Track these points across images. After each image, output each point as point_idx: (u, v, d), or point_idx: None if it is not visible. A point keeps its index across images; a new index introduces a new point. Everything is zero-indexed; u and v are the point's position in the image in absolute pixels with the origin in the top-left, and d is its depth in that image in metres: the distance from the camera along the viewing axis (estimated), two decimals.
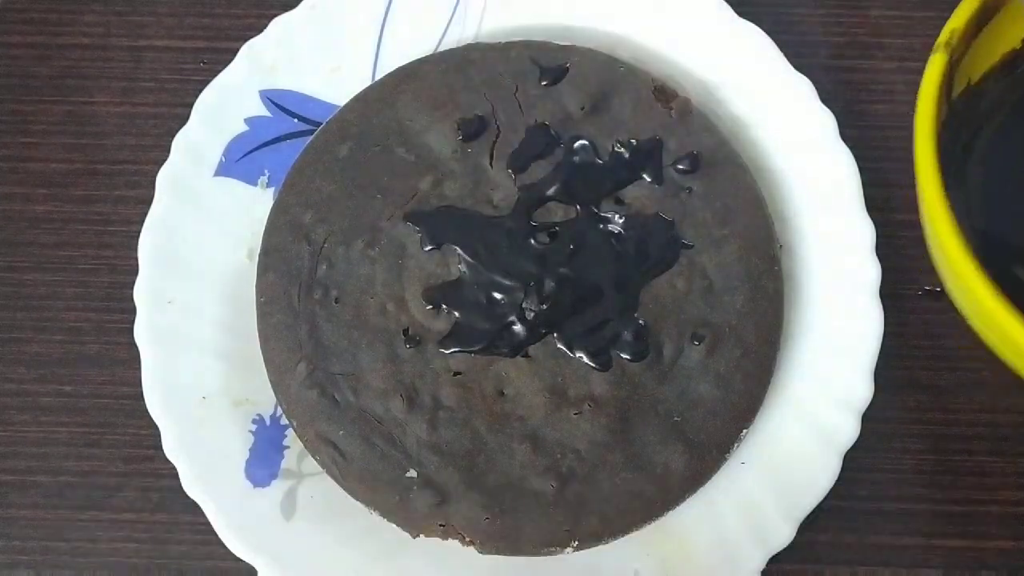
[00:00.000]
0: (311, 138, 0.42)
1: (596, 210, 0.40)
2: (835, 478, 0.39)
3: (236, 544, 0.38)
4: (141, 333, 0.40)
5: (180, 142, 0.41)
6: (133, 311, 0.40)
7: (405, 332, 0.39)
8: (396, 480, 0.38)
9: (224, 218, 0.41)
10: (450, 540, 0.38)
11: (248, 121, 0.43)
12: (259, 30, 0.43)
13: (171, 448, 0.39)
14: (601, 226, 0.40)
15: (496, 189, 0.40)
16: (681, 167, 0.41)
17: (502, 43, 0.42)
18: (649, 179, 0.41)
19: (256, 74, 0.43)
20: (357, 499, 0.38)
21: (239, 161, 0.42)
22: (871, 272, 0.40)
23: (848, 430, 0.39)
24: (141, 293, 0.40)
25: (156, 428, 0.39)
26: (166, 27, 0.46)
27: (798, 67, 0.42)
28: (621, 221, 0.40)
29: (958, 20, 0.34)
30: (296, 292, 0.40)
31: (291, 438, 0.40)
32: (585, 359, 0.39)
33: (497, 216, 0.40)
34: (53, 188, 0.44)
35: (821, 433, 0.39)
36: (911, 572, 0.40)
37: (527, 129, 0.41)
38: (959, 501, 0.41)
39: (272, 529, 0.38)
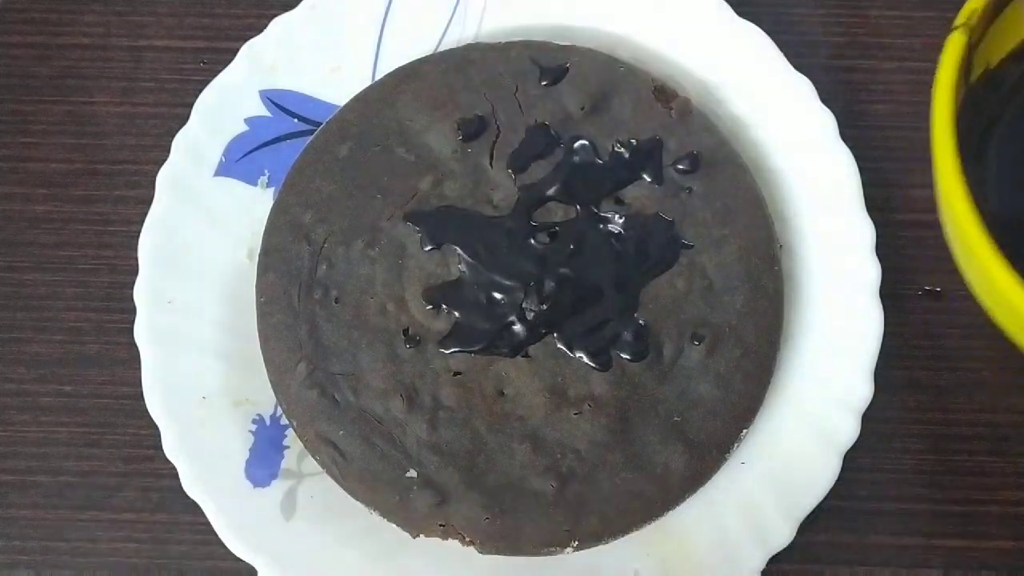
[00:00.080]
0: (311, 138, 0.42)
1: (596, 210, 0.40)
2: (835, 478, 0.39)
3: (236, 544, 0.38)
4: (141, 333, 0.40)
5: (180, 142, 0.41)
6: (133, 311, 0.40)
7: (405, 332, 0.39)
8: (396, 480, 0.38)
9: (224, 218, 0.41)
10: (450, 540, 0.38)
11: (248, 121, 0.43)
12: (259, 30, 0.43)
13: (171, 448, 0.39)
14: (601, 226, 0.40)
15: (496, 189, 0.40)
16: (681, 167, 0.41)
17: (502, 43, 0.43)
18: (649, 179, 0.41)
19: (256, 74, 0.43)
20: (357, 499, 0.38)
21: (239, 161, 0.42)
22: (871, 272, 0.40)
23: (848, 430, 0.39)
24: (141, 293, 0.40)
25: (156, 428, 0.39)
26: (166, 27, 0.46)
27: (798, 67, 0.42)
28: (621, 221, 0.40)
29: (977, 1, 0.34)
30: (296, 292, 0.40)
31: (291, 438, 0.40)
32: (585, 359, 0.39)
33: (497, 216, 0.40)
34: (53, 188, 0.44)
35: (821, 433, 0.39)
36: (911, 572, 0.40)
37: (527, 129, 0.41)
38: (959, 501, 0.41)
39: (272, 529, 0.38)
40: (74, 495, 0.41)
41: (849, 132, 0.42)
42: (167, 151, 0.41)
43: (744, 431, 0.39)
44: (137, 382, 0.39)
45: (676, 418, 0.38)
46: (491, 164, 0.41)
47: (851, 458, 0.39)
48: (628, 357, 0.39)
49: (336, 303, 0.39)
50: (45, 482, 0.41)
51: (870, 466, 0.41)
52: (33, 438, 0.42)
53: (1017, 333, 0.34)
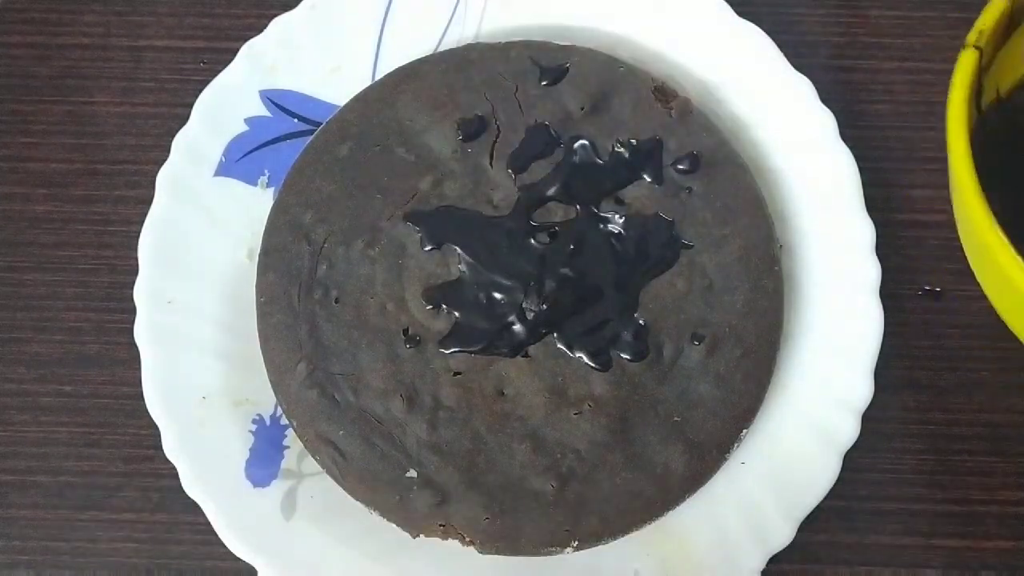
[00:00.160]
0: (311, 138, 0.42)
1: (596, 210, 0.40)
2: (835, 478, 0.39)
3: (236, 544, 0.38)
4: (141, 333, 0.40)
5: (180, 142, 0.41)
6: (133, 311, 0.40)
7: (405, 332, 0.39)
8: (396, 480, 0.38)
9: (224, 218, 0.41)
10: (450, 540, 0.38)
11: (248, 121, 0.43)
12: (259, 30, 0.43)
13: (171, 448, 0.39)
14: (601, 226, 0.40)
15: (496, 189, 0.40)
16: (681, 167, 0.41)
17: (502, 43, 0.43)
18: (649, 179, 0.41)
19: (256, 74, 0.43)
20: (357, 499, 0.38)
21: (239, 161, 0.42)
22: (871, 272, 0.40)
23: (848, 430, 0.39)
24: (141, 293, 0.40)
25: (156, 428, 0.39)
26: (166, 27, 0.46)
27: (798, 67, 0.42)
28: (621, 221, 0.40)
29: (986, 21, 0.34)
30: (296, 292, 0.40)
31: (291, 438, 0.40)
32: (585, 359, 0.39)
33: (497, 216, 0.40)
34: (53, 188, 0.44)
35: (821, 433, 0.39)
36: (911, 572, 0.40)
37: (527, 129, 0.41)
38: (959, 501, 0.41)
39: (272, 529, 0.38)
40: (74, 495, 0.41)
41: (849, 132, 0.42)
42: (167, 151, 0.41)
43: (744, 431, 0.39)
44: (137, 382, 0.39)
45: (676, 418, 0.38)
46: (491, 164, 0.41)
47: (851, 458, 0.39)
48: (628, 357, 0.39)
49: (336, 303, 0.39)
50: (45, 482, 0.41)
51: (870, 466, 0.41)
52: (33, 438, 0.42)
53: None
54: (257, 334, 0.40)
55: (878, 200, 0.42)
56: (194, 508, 0.38)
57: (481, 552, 0.38)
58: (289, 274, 0.40)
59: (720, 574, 0.38)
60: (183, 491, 0.38)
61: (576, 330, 0.39)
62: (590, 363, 0.39)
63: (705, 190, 0.41)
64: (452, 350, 0.39)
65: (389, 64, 0.43)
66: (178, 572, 0.40)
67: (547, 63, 0.42)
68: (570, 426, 0.38)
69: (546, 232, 0.40)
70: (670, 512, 0.38)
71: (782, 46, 0.42)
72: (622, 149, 0.41)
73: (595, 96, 0.41)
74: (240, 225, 0.42)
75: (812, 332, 0.40)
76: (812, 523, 0.39)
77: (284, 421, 0.40)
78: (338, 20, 0.43)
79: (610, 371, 0.39)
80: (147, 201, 0.41)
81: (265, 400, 0.40)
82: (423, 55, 0.43)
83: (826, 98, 0.42)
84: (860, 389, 0.39)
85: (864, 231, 0.40)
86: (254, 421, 0.40)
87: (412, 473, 0.38)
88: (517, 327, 0.39)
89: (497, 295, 0.39)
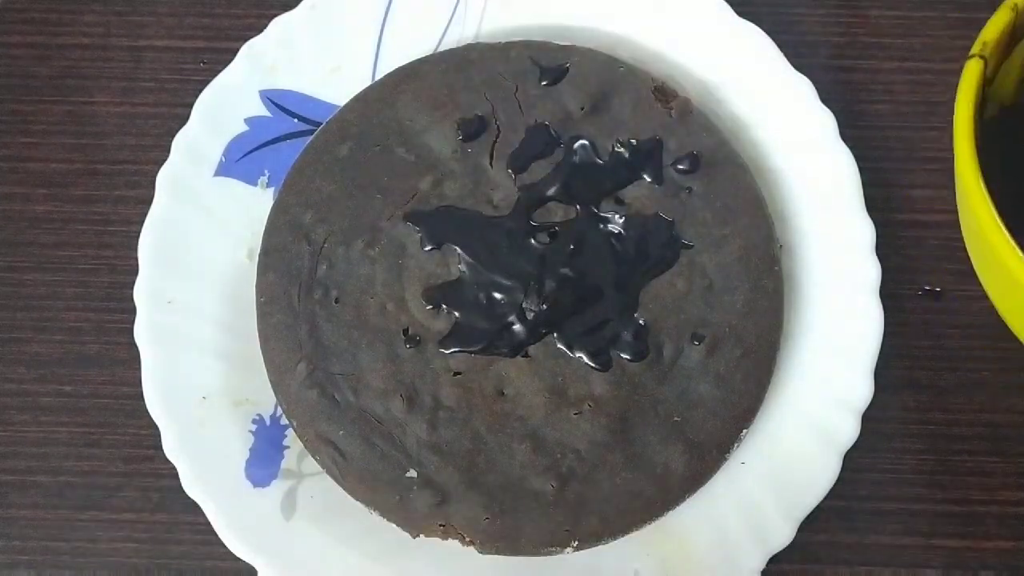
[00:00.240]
0: (311, 138, 0.42)
1: (596, 210, 0.40)
2: (835, 478, 0.39)
3: (236, 544, 0.38)
4: (141, 333, 0.40)
5: (180, 142, 0.41)
6: (133, 311, 0.40)
7: (405, 332, 0.39)
8: (396, 480, 0.38)
9: (224, 218, 0.41)
10: (450, 540, 0.38)
11: (248, 121, 0.43)
12: (259, 30, 0.43)
13: (171, 448, 0.39)
14: (601, 226, 0.40)
15: (496, 189, 0.40)
16: (681, 167, 0.41)
17: (502, 43, 0.42)
18: (649, 179, 0.41)
19: (256, 74, 0.43)
20: (357, 499, 0.38)
21: (239, 161, 0.42)
22: (871, 272, 0.40)
23: (848, 430, 0.39)
24: (141, 293, 0.40)
25: (156, 428, 0.39)
26: (166, 27, 0.46)
27: (798, 67, 0.42)
28: (621, 221, 0.40)
29: (990, 32, 0.35)
30: (296, 292, 0.40)
31: (291, 438, 0.40)
32: (585, 359, 0.39)
33: (497, 216, 0.40)
34: (53, 188, 0.44)
35: (821, 433, 0.39)
36: (911, 572, 0.40)
37: (527, 129, 0.41)
38: (959, 501, 0.41)
39: (272, 529, 0.38)
40: (74, 495, 0.41)
41: (849, 132, 0.42)
42: (167, 151, 0.41)
43: (744, 431, 0.39)
44: (137, 382, 0.39)
45: (676, 418, 0.38)
46: (491, 164, 0.41)
47: (851, 458, 0.39)
48: (628, 357, 0.39)
49: (336, 303, 0.39)
50: (45, 482, 0.41)
51: (870, 466, 0.41)
52: (33, 438, 0.42)
53: None
54: (257, 334, 0.40)
55: (878, 200, 0.42)
56: (194, 508, 0.38)
57: (481, 552, 0.38)
58: (289, 274, 0.40)
59: (720, 574, 0.38)
60: (183, 491, 0.38)
61: (576, 330, 0.39)
62: (590, 363, 0.39)
63: (705, 190, 0.41)
64: (452, 350, 0.39)
65: (389, 64, 0.43)
66: (178, 572, 0.40)
67: (547, 63, 0.42)
68: (570, 426, 0.38)
69: (546, 232, 0.40)
70: (670, 512, 0.38)
71: (782, 46, 0.42)
72: (622, 149, 0.41)
73: (595, 96, 0.41)
74: (240, 225, 0.42)
75: (812, 332, 0.40)
76: (812, 523, 0.39)
77: (284, 421, 0.40)
78: (338, 20, 0.43)
79: (610, 371, 0.39)
80: (147, 201, 0.41)
81: (265, 400, 0.40)
82: (423, 55, 0.43)
83: (826, 98, 0.42)
84: (860, 389, 0.39)
85: (864, 231, 0.40)
86: (254, 421, 0.40)
87: (412, 473, 0.38)
88: (517, 327, 0.39)
89: (497, 295, 0.39)
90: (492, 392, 0.38)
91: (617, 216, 0.40)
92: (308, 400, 0.38)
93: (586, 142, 0.41)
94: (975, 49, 0.34)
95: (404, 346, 0.39)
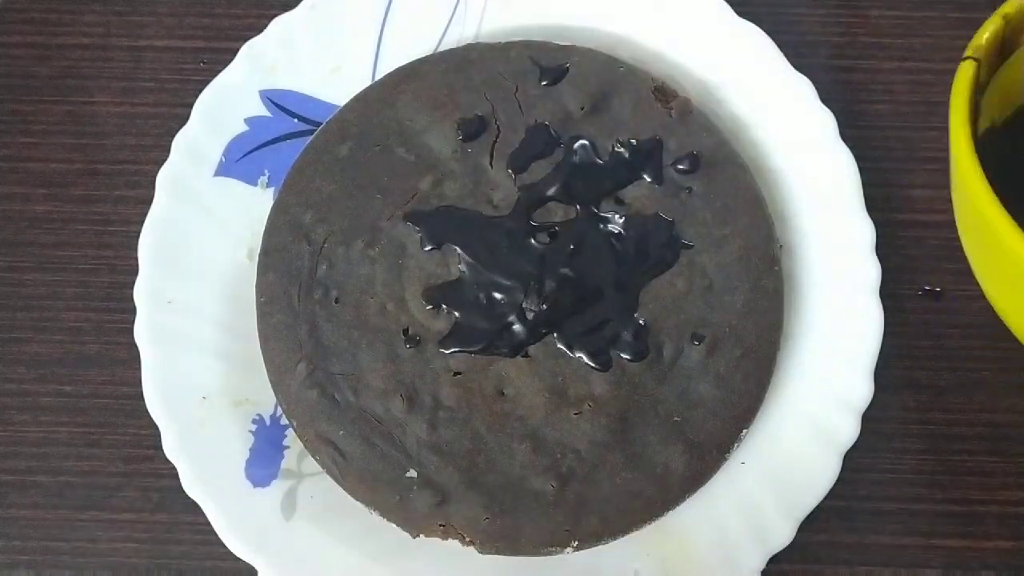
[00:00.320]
0: (311, 138, 0.42)
1: (596, 210, 0.40)
2: (835, 478, 0.39)
3: (236, 544, 0.38)
4: (141, 333, 0.40)
5: (180, 142, 0.41)
6: (133, 311, 0.40)
7: (405, 332, 0.39)
8: (396, 480, 0.38)
9: (224, 218, 0.41)
10: (450, 540, 0.38)
11: (248, 121, 0.43)
12: (259, 30, 0.43)
13: (171, 448, 0.39)
14: (601, 226, 0.40)
15: (496, 189, 0.40)
16: (681, 167, 0.41)
17: (502, 43, 0.43)
18: (649, 179, 0.41)
19: (256, 74, 0.43)
20: (357, 499, 0.38)
21: (239, 161, 0.42)
22: (871, 272, 0.40)
23: (848, 430, 0.39)
24: (141, 293, 0.40)
25: (156, 428, 0.39)
26: (166, 27, 0.46)
27: (798, 67, 0.42)
28: (621, 221, 0.40)
29: (981, 36, 0.35)
30: (296, 292, 0.40)
31: (291, 438, 0.40)
32: (585, 359, 0.39)
33: (497, 216, 0.40)
34: (53, 188, 0.44)
35: (821, 433, 0.39)
36: (911, 572, 0.40)
37: (527, 129, 0.41)
38: (959, 501, 0.41)
39: (272, 529, 0.38)
40: (74, 495, 0.41)
41: (849, 132, 0.42)
42: (167, 151, 0.41)
43: (744, 431, 0.39)
44: (137, 382, 0.39)
45: (676, 418, 0.38)
46: (491, 164, 0.41)
47: (851, 458, 0.39)
48: (628, 357, 0.39)
49: (336, 303, 0.39)
50: (45, 482, 0.41)
51: (870, 466, 0.41)
52: (33, 438, 0.42)
53: None
54: (257, 334, 0.40)
55: (878, 200, 0.42)
56: (194, 508, 0.38)
57: (481, 552, 0.38)
58: (289, 274, 0.40)
59: (720, 574, 0.38)
60: (183, 491, 0.38)
61: (576, 330, 0.39)
62: (590, 363, 0.39)
63: (705, 190, 0.41)
64: (452, 350, 0.39)
65: (389, 64, 0.43)
66: (178, 572, 0.40)
67: (547, 63, 0.42)
68: (570, 426, 0.38)
69: (546, 232, 0.40)
70: (670, 512, 0.38)
71: (782, 46, 0.42)
72: (622, 149, 0.41)
73: (595, 96, 0.41)
74: (240, 225, 0.42)
75: (812, 332, 0.40)
76: (812, 523, 0.39)
77: (284, 421, 0.40)
78: (338, 20, 0.43)
79: (610, 371, 0.39)
80: (147, 201, 0.41)
81: (265, 400, 0.40)
82: (423, 55, 0.43)
83: (826, 98, 0.42)
84: (860, 389, 0.39)
85: (864, 231, 0.40)
86: (254, 421, 0.40)
87: (412, 473, 0.38)
88: (517, 327, 0.39)
89: (497, 295, 0.39)
90: (492, 392, 0.38)
91: (617, 216, 0.40)
92: (308, 400, 0.38)
93: (586, 142, 0.41)
94: (968, 52, 0.35)
95: (404, 346, 0.39)
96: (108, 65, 0.46)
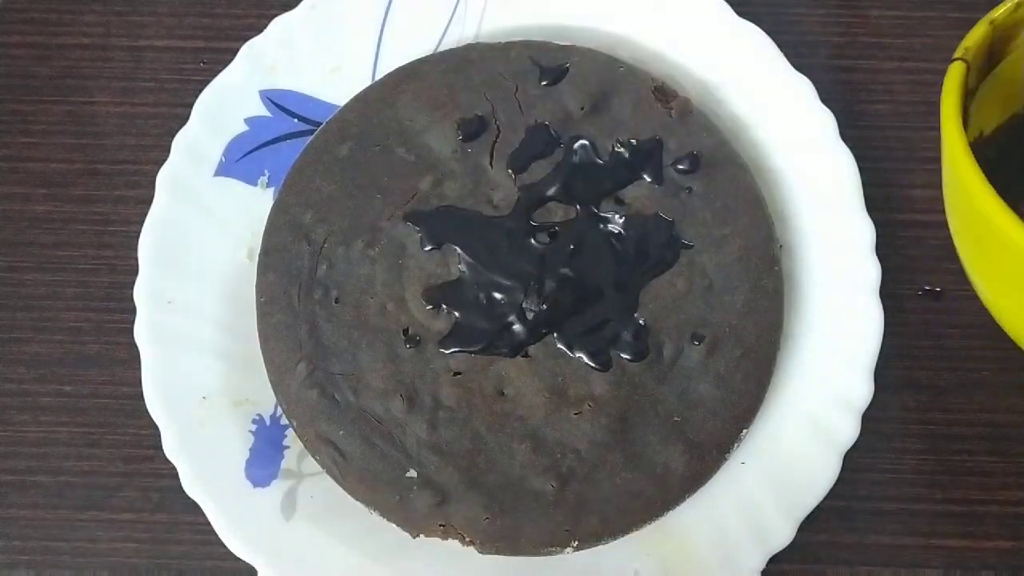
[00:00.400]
0: (311, 138, 0.42)
1: (596, 210, 0.40)
2: (835, 478, 0.39)
3: (236, 544, 0.38)
4: (141, 333, 0.40)
5: (180, 142, 0.41)
6: (133, 311, 0.40)
7: (405, 332, 0.39)
8: (396, 480, 0.38)
9: (224, 218, 0.41)
10: (450, 540, 0.38)
11: (248, 121, 0.43)
12: (259, 30, 0.43)
13: (171, 448, 0.39)
14: (601, 226, 0.40)
15: (496, 189, 0.40)
16: (681, 167, 0.41)
17: (502, 43, 0.43)
18: (649, 179, 0.41)
19: (256, 74, 0.43)
20: (357, 499, 0.38)
21: (239, 161, 0.42)
22: (871, 272, 0.40)
23: (848, 430, 0.39)
24: (141, 293, 0.40)
25: (156, 428, 0.39)
26: (166, 27, 0.46)
27: (798, 67, 0.42)
28: (621, 221, 0.40)
29: (971, 40, 0.36)
30: (296, 292, 0.40)
31: (291, 438, 0.40)
32: (585, 359, 0.39)
33: (497, 216, 0.40)
34: (53, 188, 0.44)
35: (821, 433, 0.39)
36: (911, 572, 0.40)
37: (527, 129, 0.41)
38: (959, 501, 0.41)
39: (272, 529, 0.38)
40: (74, 495, 0.41)
41: (849, 132, 0.42)
42: (167, 151, 0.41)
43: (744, 431, 0.39)
44: (137, 382, 0.39)
45: (676, 418, 0.38)
46: (491, 164, 0.41)
47: (851, 458, 0.39)
48: (628, 357, 0.39)
49: (336, 303, 0.39)
50: (45, 482, 0.41)
51: (870, 466, 0.41)
52: (33, 438, 0.42)
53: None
54: (257, 334, 0.40)
55: (878, 200, 0.42)
56: (194, 508, 0.38)
57: (481, 552, 0.38)
58: (289, 274, 0.40)
59: (720, 574, 0.38)
60: (183, 491, 0.38)
61: (576, 330, 0.39)
62: (590, 363, 0.39)
63: (705, 190, 0.41)
64: (452, 350, 0.39)
65: (389, 64, 0.43)
66: (178, 572, 0.40)
67: (547, 63, 0.42)
68: (570, 426, 0.38)
69: (546, 232, 0.40)
70: (670, 512, 0.38)
71: (782, 46, 0.42)
72: (622, 149, 0.41)
73: (595, 96, 0.41)
74: (240, 225, 0.42)
75: (812, 332, 0.40)
76: (812, 523, 0.39)
77: (284, 421, 0.40)
78: (338, 20, 0.43)
79: (610, 371, 0.39)
80: (147, 201, 0.41)
81: (265, 400, 0.40)
82: (423, 55, 0.43)
83: (826, 98, 0.42)
84: (860, 389, 0.39)
85: (864, 231, 0.40)
86: (254, 421, 0.40)
87: (412, 473, 0.38)
88: (517, 327, 0.39)
89: (497, 295, 0.39)
90: (492, 392, 0.38)
91: (617, 216, 0.40)
92: (308, 400, 0.38)
93: (586, 142, 0.41)
94: (958, 53, 0.35)
95: (404, 346, 0.39)
96: (108, 65, 0.46)
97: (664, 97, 0.42)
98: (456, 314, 0.39)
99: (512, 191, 0.40)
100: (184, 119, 0.42)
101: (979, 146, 0.37)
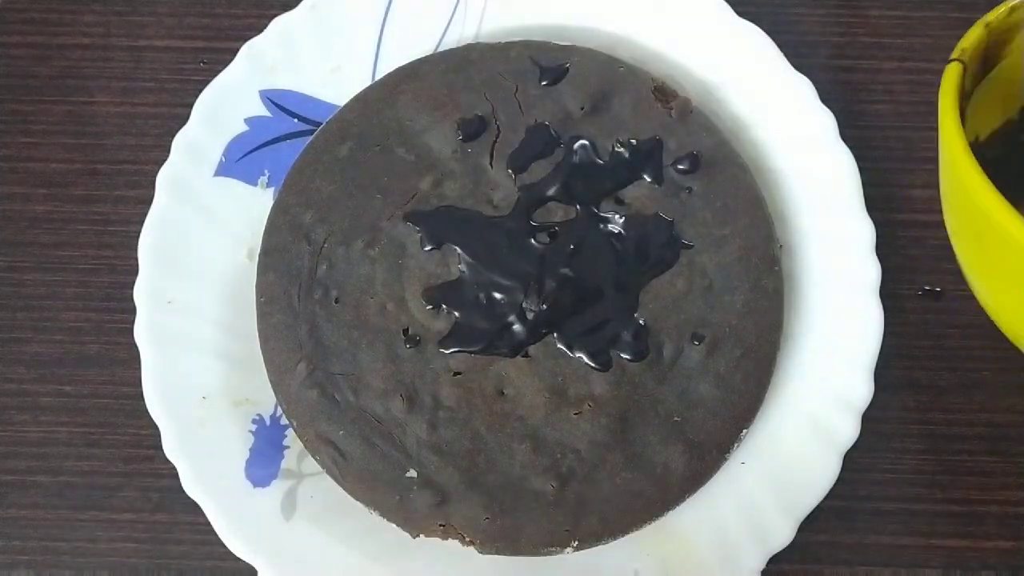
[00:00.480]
0: (311, 138, 0.42)
1: (596, 210, 0.40)
2: (835, 478, 0.39)
3: (236, 544, 0.38)
4: (141, 333, 0.40)
5: (180, 142, 0.41)
6: (133, 311, 0.40)
7: (405, 332, 0.39)
8: (396, 480, 0.38)
9: (224, 218, 0.41)
10: (450, 540, 0.38)
11: (248, 121, 0.43)
12: (259, 30, 0.43)
13: (171, 448, 0.39)
14: (601, 226, 0.40)
15: (496, 189, 0.40)
16: (681, 167, 0.41)
17: (502, 43, 0.43)
18: (649, 179, 0.41)
19: (256, 74, 0.43)
20: (357, 499, 0.38)
21: (239, 161, 0.42)
22: (871, 272, 0.40)
23: (848, 430, 0.39)
24: (141, 293, 0.40)
25: (156, 428, 0.39)
26: (166, 27, 0.46)
27: (798, 67, 0.42)
28: (621, 221, 0.40)
29: (966, 42, 0.36)
30: (296, 292, 0.40)
31: (291, 438, 0.40)
32: (585, 359, 0.39)
33: (497, 216, 0.40)
34: (53, 188, 0.44)
35: (821, 433, 0.39)
36: (911, 572, 0.40)
37: (527, 129, 0.41)
38: (959, 501, 0.41)
39: (272, 529, 0.38)
40: (74, 495, 0.41)
41: (849, 132, 0.42)
42: (167, 151, 0.41)
43: (744, 431, 0.39)
44: (137, 382, 0.39)
45: (676, 418, 0.38)
46: (491, 164, 0.41)
47: (851, 458, 0.39)
48: (628, 357, 0.39)
49: (336, 303, 0.39)
50: (45, 482, 0.41)
51: (870, 466, 0.41)
52: (33, 438, 0.42)
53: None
54: (257, 334, 0.40)
55: (878, 200, 0.42)
56: (194, 508, 0.38)
57: (481, 552, 0.38)
58: (289, 274, 0.40)
59: (720, 574, 0.38)
60: (183, 491, 0.38)
61: (576, 330, 0.39)
62: (590, 363, 0.39)
63: (705, 190, 0.41)
64: (452, 350, 0.39)
65: (389, 64, 0.43)
66: (178, 572, 0.40)
67: (547, 63, 0.42)
68: (570, 426, 0.38)
69: (546, 232, 0.40)
70: (670, 512, 0.38)
71: (782, 46, 0.42)
72: (622, 149, 0.41)
73: (595, 96, 0.41)
74: (240, 225, 0.42)
75: (812, 332, 0.40)
76: (812, 523, 0.39)
77: (284, 421, 0.40)
78: (338, 20, 0.43)
79: (610, 371, 0.39)
80: (147, 201, 0.41)
81: (265, 400, 0.40)
82: (423, 55, 0.43)
83: (826, 98, 0.42)
84: (860, 389, 0.39)
85: (864, 231, 0.40)
86: (254, 421, 0.40)
87: (412, 473, 0.38)
88: (517, 327, 0.39)
89: (497, 295, 0.39)
90: (492, 392, 0.38)
91: (617, 216, 0.40)
92: (308, 400, 0.38)
93: (586, 142, 0.41)
94: (955, 55, 0.35)
95: (404, 346, 0.39)
96: (108, 65, 0.46)
97: (664, 97, 0.42)
98: (456, 314, 0.39)
99: (512, 191, 0.40)
100: (184, 119, 0.42)
101: (975, 151, 0.37)
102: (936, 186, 0.37)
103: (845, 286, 0.40)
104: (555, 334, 0.39)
